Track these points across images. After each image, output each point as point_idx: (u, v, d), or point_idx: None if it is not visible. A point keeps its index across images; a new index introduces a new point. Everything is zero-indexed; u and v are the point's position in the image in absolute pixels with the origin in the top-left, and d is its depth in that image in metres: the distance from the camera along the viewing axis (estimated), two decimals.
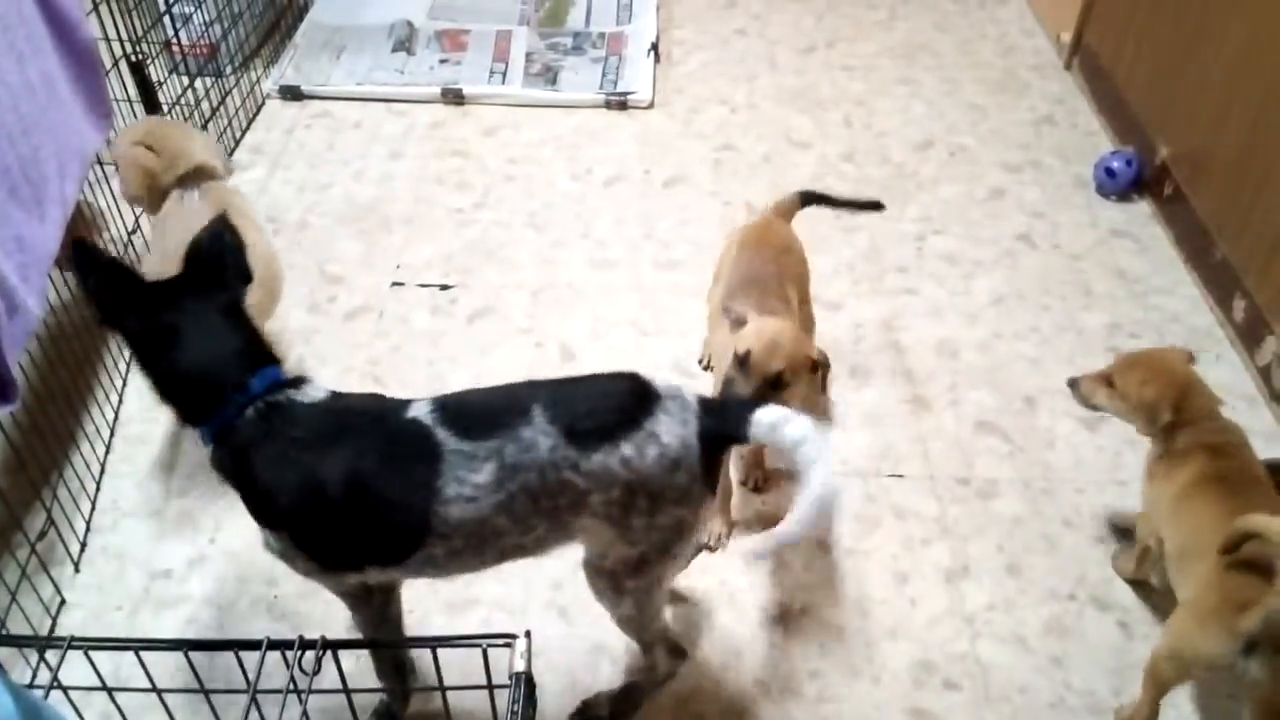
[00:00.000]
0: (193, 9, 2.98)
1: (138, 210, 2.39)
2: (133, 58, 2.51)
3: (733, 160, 2.95)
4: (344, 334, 2.37)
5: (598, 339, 2.37)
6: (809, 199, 2.14)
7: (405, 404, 1.36)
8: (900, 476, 2.06)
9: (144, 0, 2.80)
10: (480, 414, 1.35)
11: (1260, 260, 2.26)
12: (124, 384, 2.24)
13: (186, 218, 1.91)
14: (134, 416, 2.18)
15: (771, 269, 1.95)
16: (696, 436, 1.35)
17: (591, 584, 1.49)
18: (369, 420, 1.36)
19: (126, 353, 2.26)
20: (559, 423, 1.32)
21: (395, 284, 2.51)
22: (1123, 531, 1.95)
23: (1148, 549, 1.78)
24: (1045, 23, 3.56)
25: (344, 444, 1.31)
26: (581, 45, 3.44)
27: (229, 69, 3.16)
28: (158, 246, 2.03)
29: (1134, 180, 2.76)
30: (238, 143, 2.97)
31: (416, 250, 2.61)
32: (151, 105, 2.58)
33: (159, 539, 1.94)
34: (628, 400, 1.36)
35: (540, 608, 1.83)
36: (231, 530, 1.95)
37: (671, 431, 1.34)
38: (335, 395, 1.38)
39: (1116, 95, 2.99)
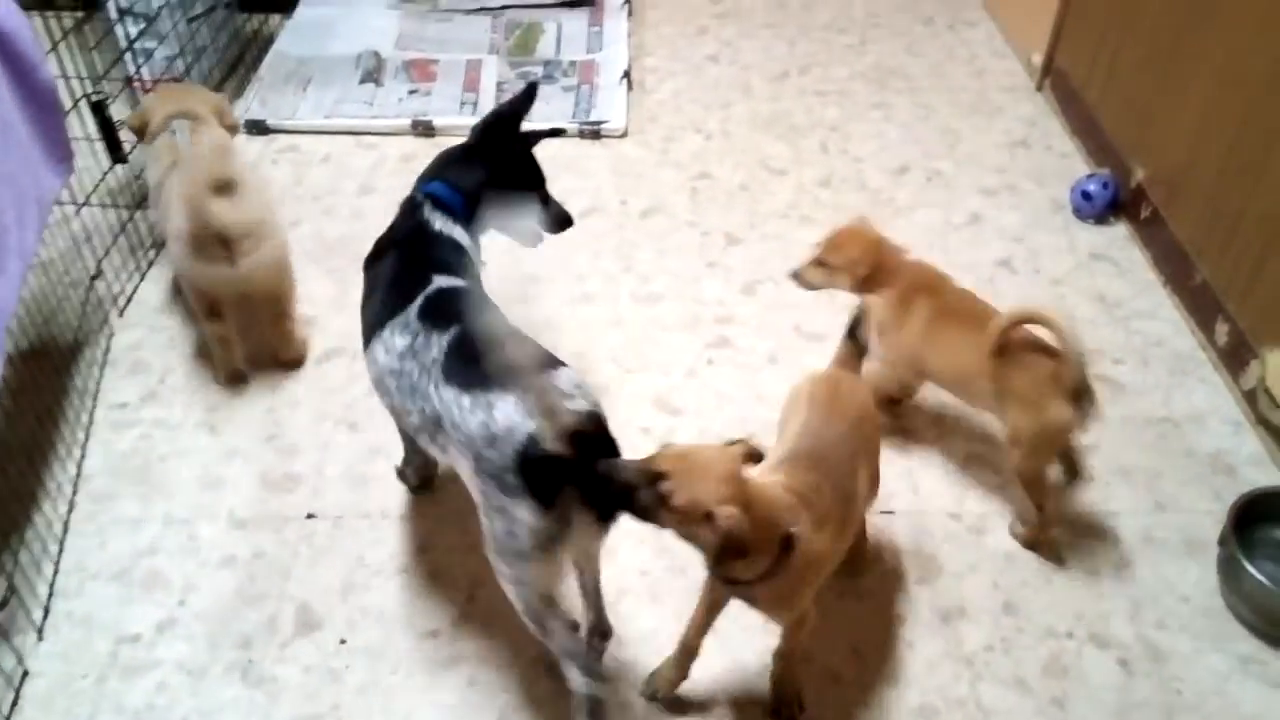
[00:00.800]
0: (155, 44, 2.92)
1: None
2: (94, 97, 2.44)
3: (709, 189, 2.92)
4: (316, 379, 2.30)
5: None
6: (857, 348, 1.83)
7: (429, 277, 1.70)
8: (891, 513, 2.03)
9: (105, 37, 2.74)
10: (442, 308, 1.63)
11: (1241, 284, 2.25)
12: (86, 438, 2.16)
13: (165, 148, 2.29)
14: (98, 470, 2.10)
15: (845, 446, 1.63)
16: (525, 440, 1.40)
17: None
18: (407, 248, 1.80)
19: (90, 405, 2.20)
20: (453, 345, 1.55)
21: None
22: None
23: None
24: (1015, 44, 3.57)
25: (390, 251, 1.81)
26: (553, 74, 3.41)
27: None
28: (151, 170, 2.37)
29: (1110, 203, 2.76)
30: None
31: None
32: (114, 146, 2.51)
33: (126, 602, 1.86)
34: (509, 365, 1.38)
35: (526, 663, 1.77)
36: (204, 590, 1.88)
37: (507, 415, 1.42)
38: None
39: (1089, 117, 3.00)
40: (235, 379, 2.27)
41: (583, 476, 1.40)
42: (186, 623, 1.83)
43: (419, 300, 1.66)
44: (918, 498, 2.06)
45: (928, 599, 1.87)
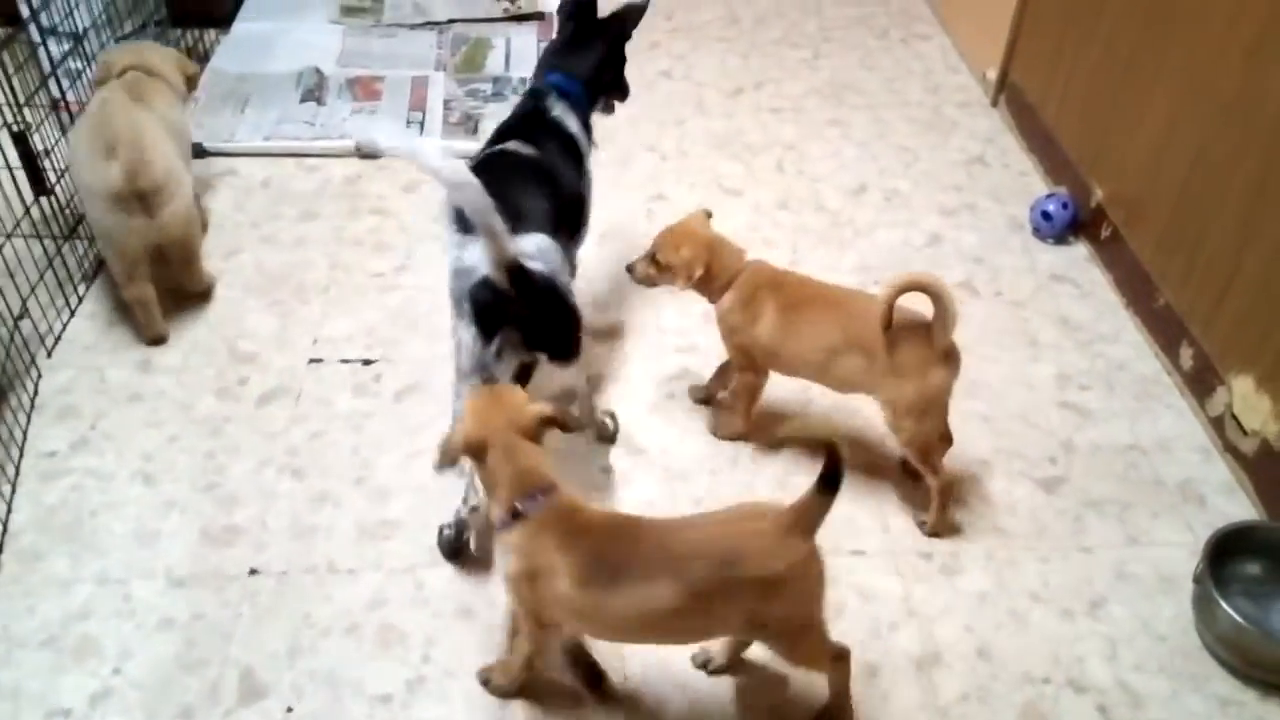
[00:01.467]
0: (82, 65, 2.77)
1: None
2: (14, 127, 2.30)
3: (665, 211, 2.84)
4: (258, 421, 2.19)
5: None
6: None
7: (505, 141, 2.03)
8: (862, 553, 1.97)
9: (28, 59, 2.60)
10: (489, 165, 1.94)
11: (1206, 308, 2.23)
12: (13, 490, 2.03)
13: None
14: (25, 526, 1.97)
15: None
16: (480, 280, 1.72)
17: None
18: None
19: (15, 454, 2.06)
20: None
21: (313, 361, 2.34)
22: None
23: (755, 389, 2.12)
24: (969, 59, 3.55)
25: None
26: (502, 91, 3.31)
27: None
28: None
29: (1070, 223, 2.74)
30: None
31: (335, 322, 2.45)
32: (36, 178, 2.37)
33: (57, 672, 1.74)
34: (487, 220, 1.63)
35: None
36: (140, 656, 1.76)
37: (473, 257, 1.74)
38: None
39: (1046, 134, 2.98)
40: (157, 341, 2.36)
41: (523, 320, 1.74)
42: (122, 693, 1.71)
43: (480, 156, 1.97)
44: (888, 537, 2.00)
45: (902, 646, 1.81)
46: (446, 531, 1.92)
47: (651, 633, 1.57)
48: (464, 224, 1.77)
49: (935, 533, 2.00)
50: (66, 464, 2.09)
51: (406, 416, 2.21)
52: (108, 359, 2.33)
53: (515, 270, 1.69)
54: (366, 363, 2.34)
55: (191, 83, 2.66)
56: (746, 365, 2.10)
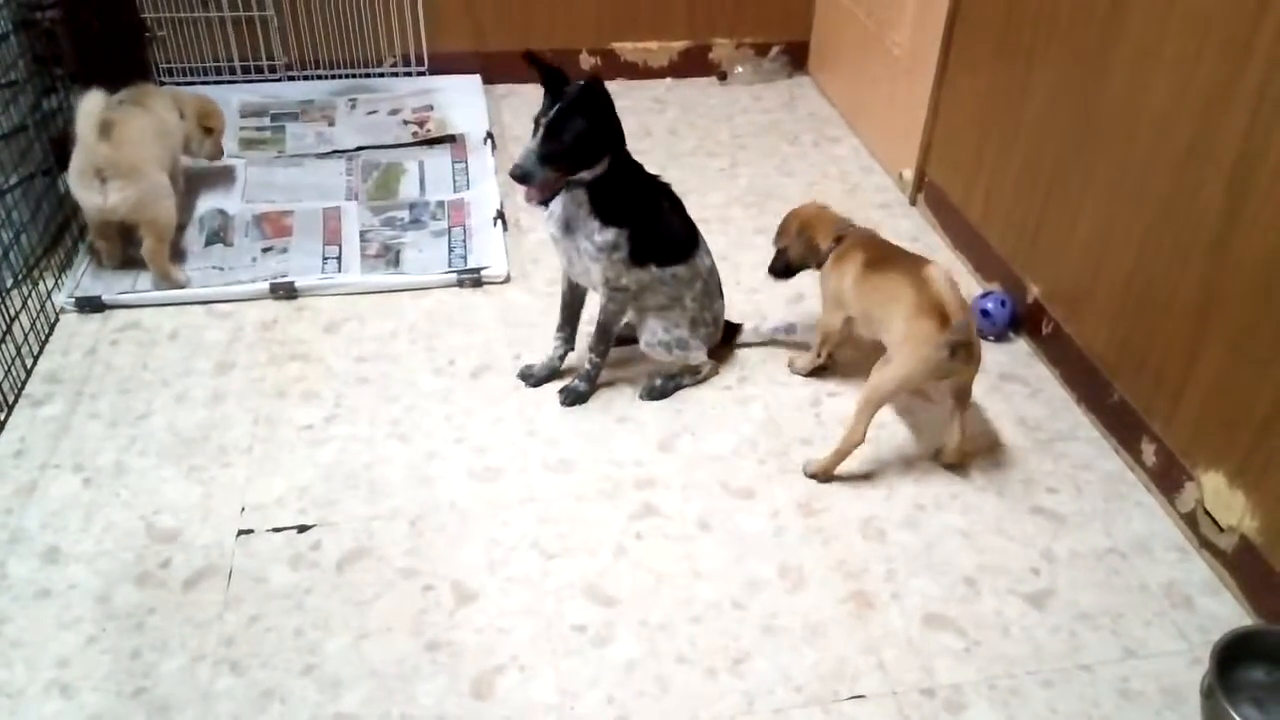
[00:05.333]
0: None
1: None
2: None
3: None
4: (187, 609, 1.97)
5: (496, 570, 2.07)
6: None
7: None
8: (861, 698, 1.85)
9: None
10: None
11: (1164, 404, 2.23)
12: None
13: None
14: None
15: None
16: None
17: None
18: None
19: None
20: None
21: (243, 532, 2.13)
22: None
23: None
24: (882, 160, 3.60)
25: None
26: (420, 217, 3.20)
27: (10, 281, 2.73)
28: None
29: (1010, 320, 2.74)
30: (29, 372, 2.53)
31: (264, 485, 2.25)
32: None
33: None
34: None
35: None
36: None
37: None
38: None
39: (972, 232, 3.00)
40: (124, 265, 2.86)
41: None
42: None
43: None
44: (886, 676, 1.89)
45: None
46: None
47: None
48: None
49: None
50: None
51: (353, 588, 2.02)
52: (5, 550, 2.08)
53: None
54: (302, 529, 2.15)
55: (209, 132, 3.14)
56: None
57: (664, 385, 2.55)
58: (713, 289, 2.54)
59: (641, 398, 2.54)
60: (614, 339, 2.52)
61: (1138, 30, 2.25)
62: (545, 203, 2.30)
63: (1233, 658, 1.81)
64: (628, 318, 2.53)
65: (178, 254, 2.91)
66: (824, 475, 2.29)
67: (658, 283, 2.42)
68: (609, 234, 2.28)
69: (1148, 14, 2.21)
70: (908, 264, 2.27)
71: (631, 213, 2.30)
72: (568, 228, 2.32)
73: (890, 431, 2.45)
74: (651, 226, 2.35)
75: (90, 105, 2.59)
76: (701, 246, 2.51)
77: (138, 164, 2.69)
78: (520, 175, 2.15)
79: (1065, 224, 2.55)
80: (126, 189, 2.66)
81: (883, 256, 2.34)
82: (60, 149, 2.91)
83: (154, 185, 2.74)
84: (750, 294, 2.93)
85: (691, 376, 2.57)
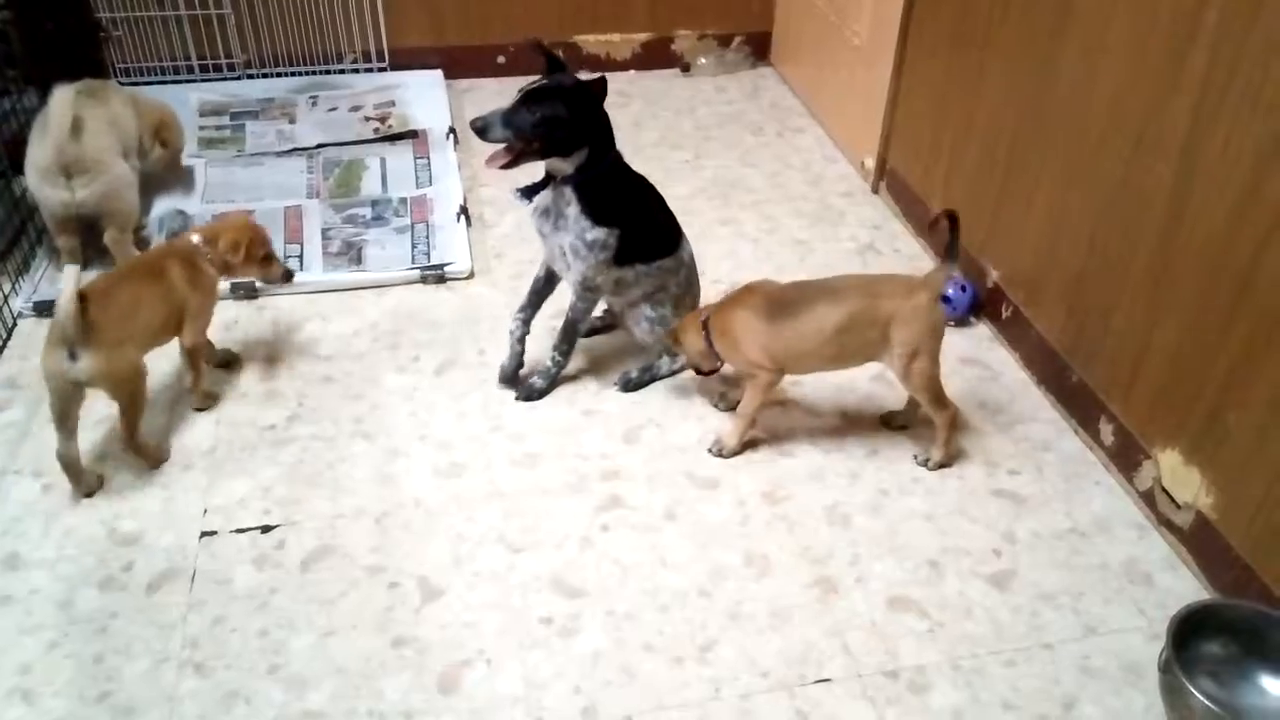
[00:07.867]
0: None
1: None
2: None
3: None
4: (150, 611, 1.95)
5: (461, 566, 2.07)
6: None
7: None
8: (827, 681, 1.87)
9: None
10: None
11: (1122, 383, 2.26)
12: None
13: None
14: None
15: None
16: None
17: None
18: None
19: None
20: None
21: (205, 534, 2.12)
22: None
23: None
24: (844, 149, 3.62)
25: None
26: (383, 214, 3.18)
27: None
28: None
29: (970, 304, 2.77)
30: None
31: (226, 487, 2.23)
32: None
33: None
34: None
35: None
36: None
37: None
38: None
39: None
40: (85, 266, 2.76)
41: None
42: None
43: None
44: (850, 658, 1.91)
45: None
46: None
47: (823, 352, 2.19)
48: None
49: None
50: None
51: (318, 587, 2.01)
52: None
53: None
54: (265, 529, 2.14)
55: (164, 144, 3.09)
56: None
57: (639, 377, 2.55)
58: (694, 276, 2.57)
59: (616, 388, 2.54)
60: (577, 339, 2.52)
61: (1086, 19, 2.27)
62: (529, 196, 2.31)
63: (1190, 632, 1.84)
64: (610, 307, 2.56)
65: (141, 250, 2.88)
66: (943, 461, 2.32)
67: (644, 276, 2.43)
68: (599, 233, 2.28)
69: (1095, 2, 2.23)
70: (811, 293, 2.21)
71: (622, 213, 2.31)
72: (552, 223, 2.32)
73: (853, 419, 2.47)
74: (641, 227, 2.37)
75: (63, 103, 2.62)
76: (684, 239, 2.54)
77: (101, 156, 2.72)
78: (479, 127, 2.14)
79: (1022, 209, 2.58)
80: (93, 183, 2.68)
81: (783, 300, 2.23)
82: (14, 152, 2.87)
83: (118, 175, 2.76)
84: (714, 284, 2.94)
85: (671, 362, 2.58)
